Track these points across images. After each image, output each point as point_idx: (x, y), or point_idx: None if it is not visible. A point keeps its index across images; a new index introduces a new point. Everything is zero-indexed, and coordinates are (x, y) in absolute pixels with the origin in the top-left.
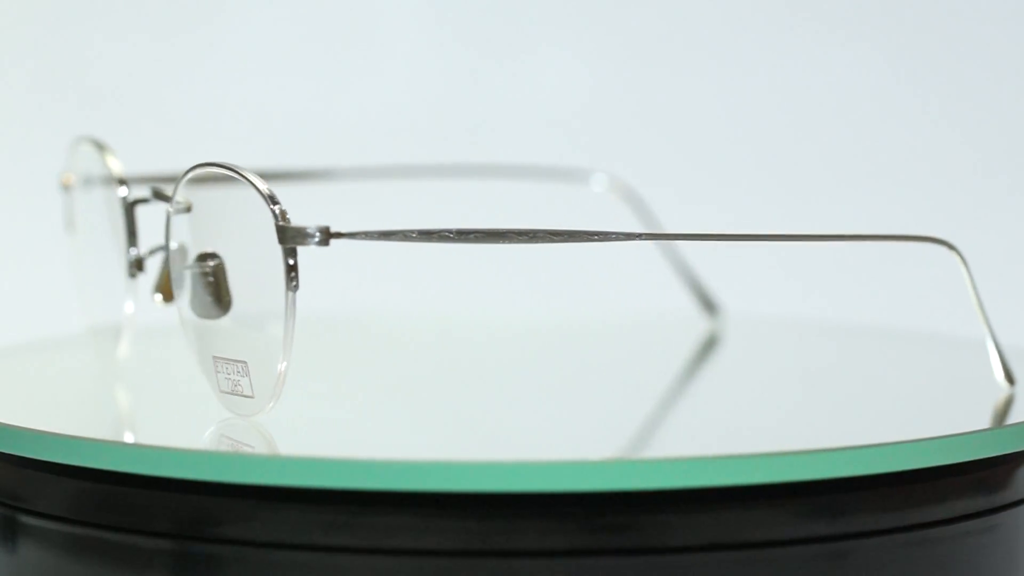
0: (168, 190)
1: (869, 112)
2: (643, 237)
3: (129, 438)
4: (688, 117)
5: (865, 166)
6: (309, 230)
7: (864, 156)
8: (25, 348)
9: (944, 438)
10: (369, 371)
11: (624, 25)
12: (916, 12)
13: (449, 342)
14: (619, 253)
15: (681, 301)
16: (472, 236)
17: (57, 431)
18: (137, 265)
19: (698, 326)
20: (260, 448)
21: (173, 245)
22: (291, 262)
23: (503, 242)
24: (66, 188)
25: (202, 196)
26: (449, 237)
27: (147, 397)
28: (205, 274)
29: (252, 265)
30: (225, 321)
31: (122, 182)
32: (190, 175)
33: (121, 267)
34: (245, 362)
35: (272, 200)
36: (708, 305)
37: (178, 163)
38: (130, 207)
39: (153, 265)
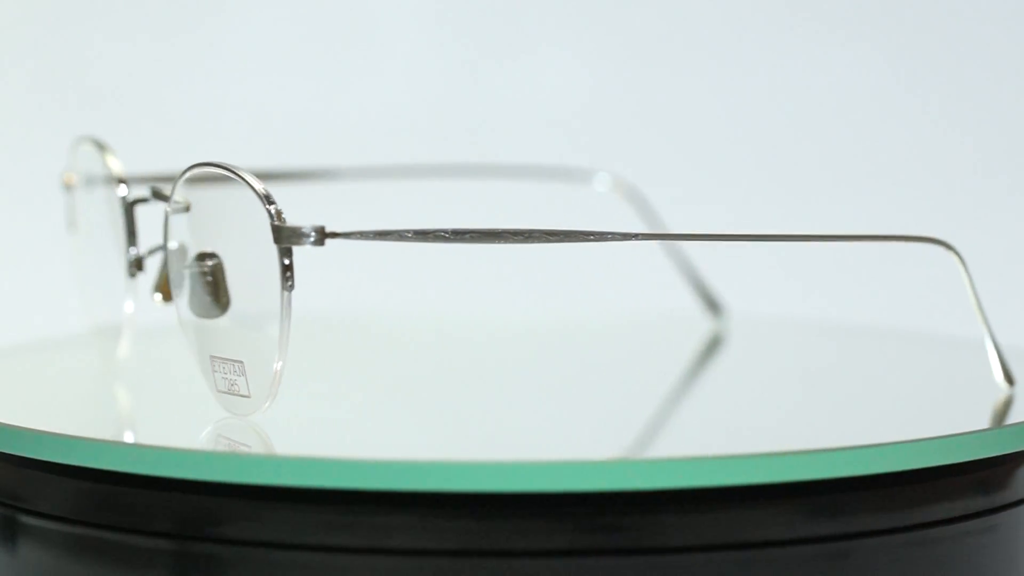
0: (167, 190)
1: (869, 112)
2: (639, 237)
3: (129, 438)
4: (688, 117)
5: (865, 166)
6: (304, 230)
7: (864, 156)
8: (25, 348)
9: (944, 438)
10: (368, 371)
11: (624, 25)
12: (916, 12)
13: (449, 342)
14: (621, 253)
15: (683, 301)
16: (468, 236)
17: (57, 431)
18: (137, 265)
19: (701, 326)
20: (257, 448)
21: (173, 245)
22: (286, 262)
23: (499, 242)
24: (68, 188)
25: (200, 196)
26: (445, 237)
27: (147, 397)
28: (203, 274)
29: (249, 265)
30: (222, 321)
31: (122, 181)
32: (188, 175)
33: (121, 267)
34: (241, 362)
35: (268, 200)
36: (712, 305)
37: (179, 163)
38: (130, 207)
39: (153, 265)
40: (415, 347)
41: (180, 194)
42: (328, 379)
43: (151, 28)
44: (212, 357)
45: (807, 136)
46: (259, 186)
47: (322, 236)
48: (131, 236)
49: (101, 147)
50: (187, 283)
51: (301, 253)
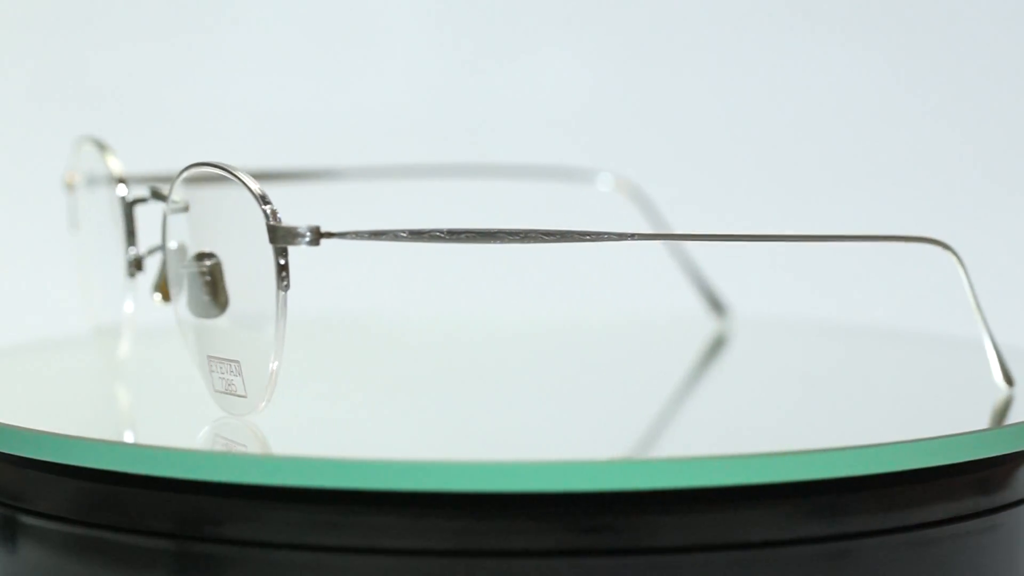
0: (166, 190)
1: (869, 112)
2: (636, 237)
3: (129, 438)
4: (688, 117)
5: (865, 166)
6: (300, 230)
7: (864, 156)
8: (25, 348)
9: (944, 438)
10: (367, 371)
11: (624, 25)
12: (916, 12)
13: (451, 342)
14: (622, 254)
15: (685, 301)
16: (463, 236)
17: (57, 431)
18: (136, 265)
19: (705, 327)
20: (254, 448)
21: (173, 244)
22: (282, 262)
23: (494, 242)
24: (70, 188)
25: (199, 196)
26: (440, 237)
27: (146, 397)
28: (200, 274)
29: (245, 265)
30: (219, 320)
31: (121, 181)
32: (186, 175)
33: (122, 266)
34: (238, 361)
35: (264, 200)
36: (716, 306)
37: (179, 163)
38: (129, 207)
39: (153, 265)
40: (414, 347)
41: (179, 194)
42: (327, 379)
43: (151, 28)
44: (209, 357)
45: (807, 136)
46: (255, 186)
47: (317, 236)
48: (130, 236)
49: (101, 147)
50: (185, 283)
51: (299, 253)
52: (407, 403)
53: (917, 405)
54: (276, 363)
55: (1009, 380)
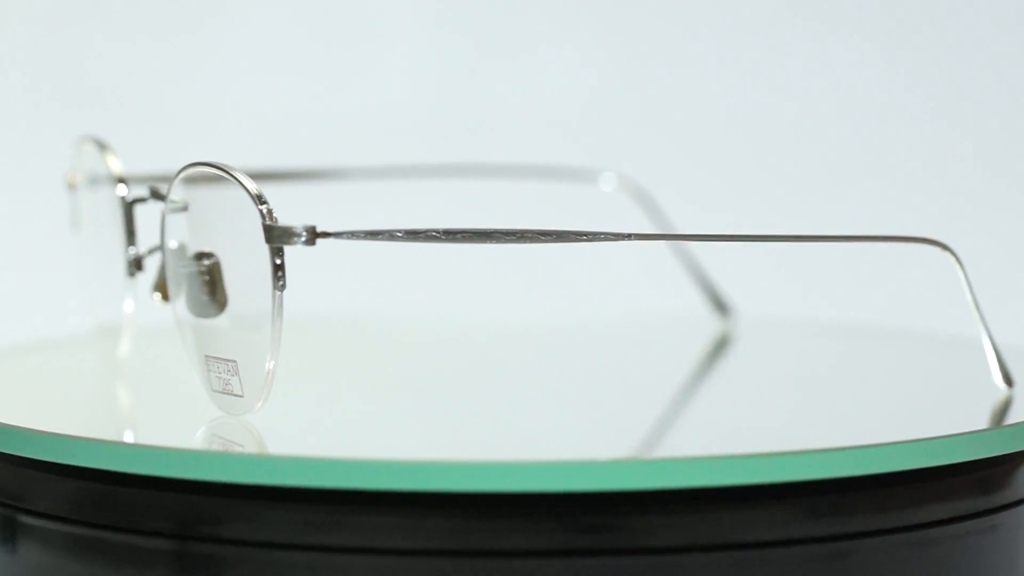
0: (165, 189)
1: (869, 112)
2: (633, 237)
3: (128, 438)
4: (687, 117)
5: (865, 166)
6: (296, 229)
7: (864, 156)
8: (25, 348)
9: (944, 438)
10: (366, 371)
11: (624, 25)
12: (916, 12)
13: (452, 342)
14: (625, 254)
15: (688, 301)
16: (459, 236)
17: (57, 431)
18: (136, 264)
19: (708, 327)
20: (252, 448)
21: (173, 244)
22: (278, 261)
23: (491, 242)
24: (71, 187)
25: (197, 195)
26: (436, 237)
27: (146, 397)
28: (199, 273)
29: (242, 264)
30: (216, 320)
31: (121, 181)
32: (183, 174)
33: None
34: (235, 361)
35: (260, 199)
36: (720, 306)
37: (180, 163)
38: (129, 206)
39: (153, 264)
40: (413, 347)
41: (178, 194)
42: (325, 379)
43: (151, 28)
44: (207, 357)
45: (807, 136)
46: (251, 185)
47: (313, 236)
48: (130, 235)
49: (102, 147)
50: (184, 282)
51: (297, 253)
52: (406, 403)
53: (917, 405)
54: (272, 363)
55: (1008, 380)
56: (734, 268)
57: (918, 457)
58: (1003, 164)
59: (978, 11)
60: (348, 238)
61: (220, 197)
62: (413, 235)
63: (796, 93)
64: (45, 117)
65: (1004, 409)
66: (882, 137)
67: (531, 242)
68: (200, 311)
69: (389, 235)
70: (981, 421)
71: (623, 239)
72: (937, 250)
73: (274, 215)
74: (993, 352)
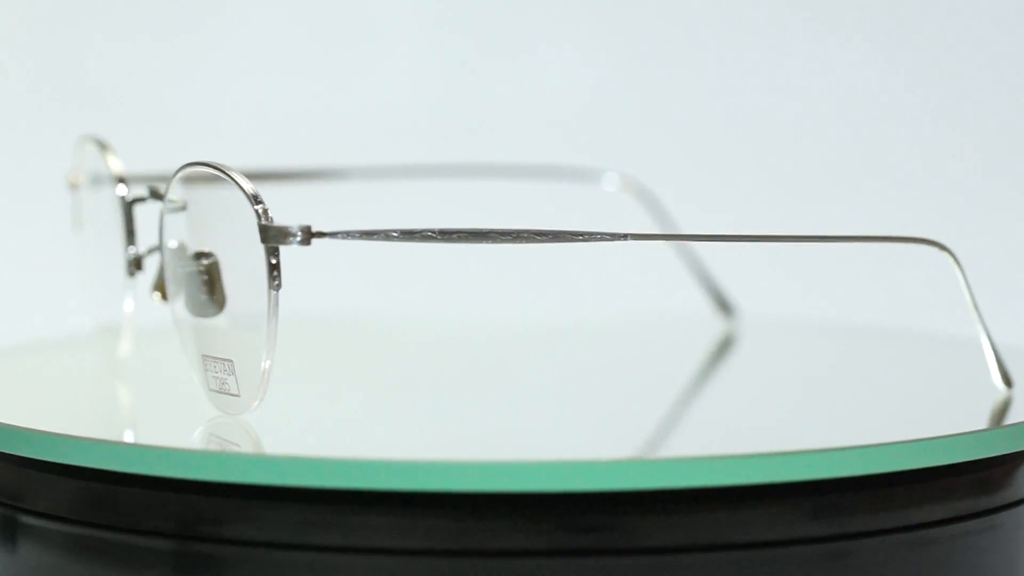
0: (164, 189)
1: (869, 112)
2: (630, 237)
3: (128, 438)
4: (687, 117)
5: (865, 166)
6: (291, 229)
7: (864, 156)
8: (25, 348)
9: (944, 438)
10: (366, 371)
11: (624, 25)
12: (916, 12)
13: (453, 342)
14: (626, 254)
15: (689, 301)
16: (455, 236)
17: (57, 431)
18: (136, 264)
19: (711, 327)
20: (249, 447)
21: (173, 244)
22: (273, 261)
23: (487, 242)
24: (73, 187)
25: (195, 195)
26: (432, 237)
27: (146, 397)
28: (197, 273)
29: (239, 264)
30: (212, 320)
31: (121, 181)
32: (181, 174)
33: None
34: (231, 360)
35: (255, 199)
36: (723, 306)
37: (181, 163)
38: (129, 206)
39: (153, 264)
40: (414, 347)
41: (177, 193)
42: (324, 378)
43: (151, 28)
44: (204, 356)
45: (807, 136)
46: (247, 185)
47: (308, 236)
48: (130, 235)
49: (102, 146)
50: (182, 282)
51: (295, 254)
52: (406, 403)
53: (916, 405)
54: (268, 362)
55: (1007, 381)
56: (733, 268)
57: (918, 457)
58: (1002, 164)
59: (978, 11)
60: (344, 238)
61: (218, 197)
62: (409, 235)
63: (796, 93)
64: (45, 117)
65: (1003, 409)
66: (882, 137)
67: (527, 242)
68: (199, 311)
69: (385, 235)
70: (981, 421)
71: (619, 239)
72: (936, 250)
73: (270, 215)
74: (992, 353)
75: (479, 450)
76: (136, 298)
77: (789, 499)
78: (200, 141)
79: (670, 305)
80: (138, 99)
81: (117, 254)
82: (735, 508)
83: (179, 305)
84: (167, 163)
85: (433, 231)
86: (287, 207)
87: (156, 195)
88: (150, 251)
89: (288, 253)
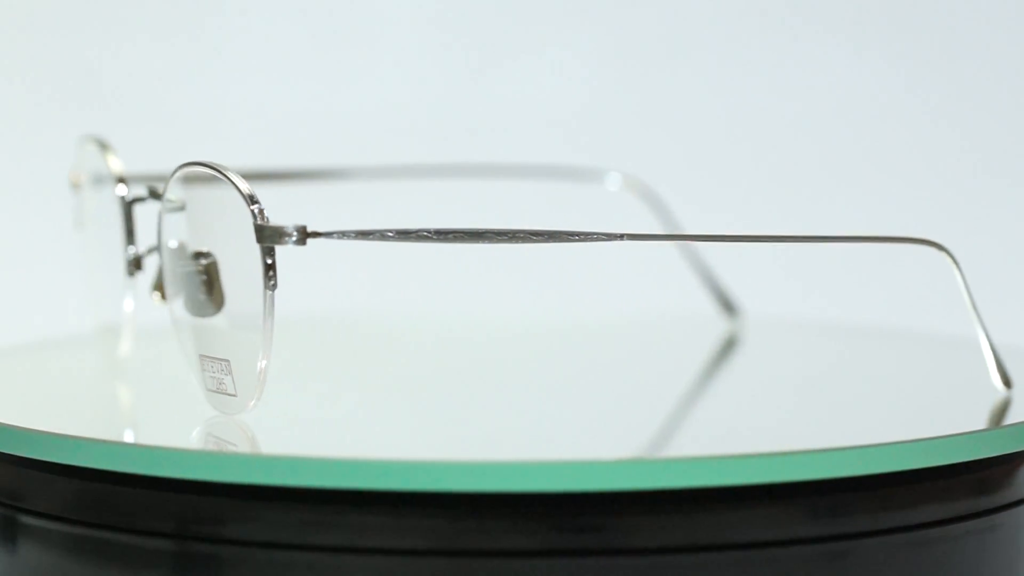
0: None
1: (869, 112)
2: (626, 238)
3: (128, 438)
4: (686, 117)
5: (865, 166)
6: (286, 229)
7: (864, 156)
8: (25, 348)
9: (944, 438)
10: (365, 371)
11: (624, 25)
12: (915, 12)
13: (454, 342)
14: (628, 254)
15: (694, 301)
16: (451, 236)
17: (57, 431)
18: (136, 263)
19: (715, 327)
20: (247, 447)
21: (173, 244)
22: (269, 261)
23: (482, 242)
24: (75, 187)
25: (194, 195)
26: (428, 237)
27: (147, 397)
28: (195, 272)
29: (236, 264)
30: (210, 320)
31: (121, 181)
32: (178, 174)
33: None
34: (228, 360)
35: (251, 199)
36: (728, 306)
37: (181, 163)
38: (128, 206)
39: (153, 264)
40: (417, 346)
41: (175, 193)
42: (323, 378)
43: (151, 28)
44: (201, 356)
45: (807, 136)
46: (243, 185)
47: (304, 235)
48: (130, 235)
49: (103, 146)
50: (180, 282)
51: (295, 254)
52: (405, 403)
53: (916, 405)
54: (264, 362)
55: (1007, 381)
56: (733, 268)
57: (917, 457)
58: (1002, 164)
59: (978, 11)
60: (339, 238)
61: (215, 197)
62: (404, 235)
63: (796, 93)
64: (45, 117)
65: (1003, 409)
66: (881, 137)
67: (523, 242)
68: (197, 310)
69: (380, 235)
70: (980, 421)
71: (615, 239)
72: (935, 250)
73: (265, 215)
74: (991, 353)
75: (478, 450)
76: (136, 298)
77: (789, 499)
78: (201, 141)
79: (674, 305)
80: (138, 99)
81: (118, 254)
82: (735, 508)
83: (178, 305)
84: (168, 163)
85: (429, 231)
86: (287, 207)
87: (155, 195)
88: (150, 251)
89: (285, 253)
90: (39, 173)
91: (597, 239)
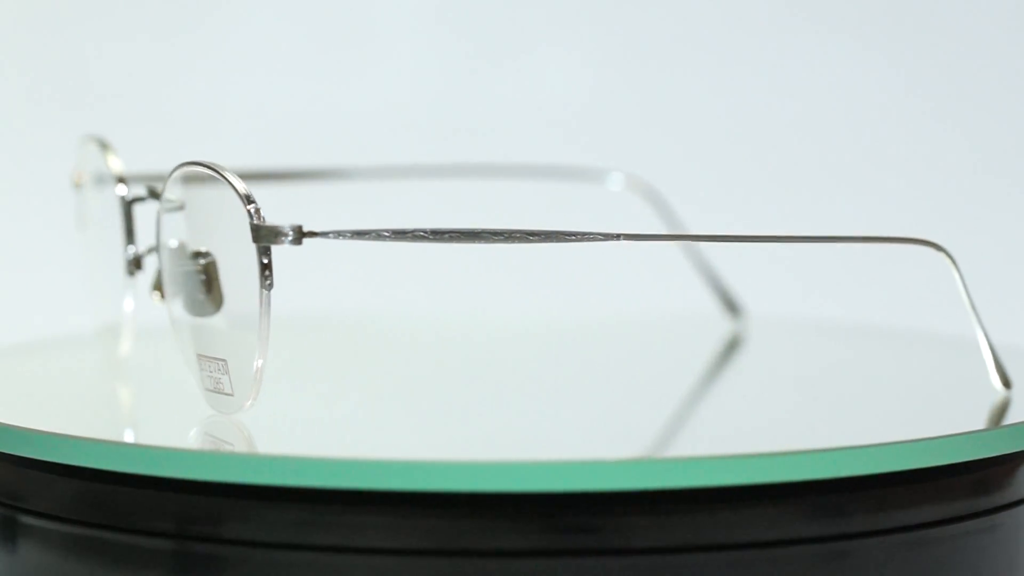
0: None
1: (869, 112)
2: (623, 238)
3: (128, 438)
4: (686, 117)
5: (865, 166)
6: (283, 229)
7: (864, 156)
8: (25, 348)
9: (944, 438)
10: (365, 370)
11: (624, 25)
12: (915, 12)
13: (455, 342)
14: (628, 254)
15: (696, 301)
16: (447, 236)
17: (57, 431)
18: (136, 263)
19: (718, 327)
20: (244, 447)
21: (172, 243)
22: (265, 260)
23: (479, 242)
24: (77, 187)
25: (193, 195)
26: (424, 237)
27: (146, 396)
28: (194, 272)
29: (234, 263)
30: (207, 319)
31: (121, 180)
32: (177, 174)
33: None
34: (224, 360)
35: (248, 199)
36: (731, 306)
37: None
38: (128, 205)
39: (153, 263)
40: (415, 347)
41: (173, 193)
42: (322, 378)
43: (151, 28)
44: (199, 356)
45: (807, 136)
46: (240, 185)
47: (300, 235)
48: (129, 235)
49: (103, 146)
50: (179, 281)
51: (295, 254)
52: (405, 403)
53: (916, 405)
54: (260, 361)
55: (1006, 381)
56: (732, 268)
57: (917, 457)
58: (1002, 164)
59: (978, 11)
60: (335, 237)
61: (213, 197)
62: (400, 235)
63: (797, 93)
64: (45, 117)
65: (1003, 409)
66: (881, 137)
67: (519, 242)
68: (196, 310)
69: (376, 235)
70: (979, 421)
71: (612, 239)
72: (934, 251)
73: (262, 214)
74: (990, 353)
75: (478, 450)
76: (136, 297)
77: (789, 499)
78: (200, 141)
79: (676, 305)
80: (138, 99)
81: (118, 254)
82: (735, 508)
83: (177, 304)
84: (168, 163)
85: (425, 231)
86: (286, 207)
87: (154, 195)
88: (149, 251)
89: (282, 253)
90: (39, 173)
91: (594, 239)
